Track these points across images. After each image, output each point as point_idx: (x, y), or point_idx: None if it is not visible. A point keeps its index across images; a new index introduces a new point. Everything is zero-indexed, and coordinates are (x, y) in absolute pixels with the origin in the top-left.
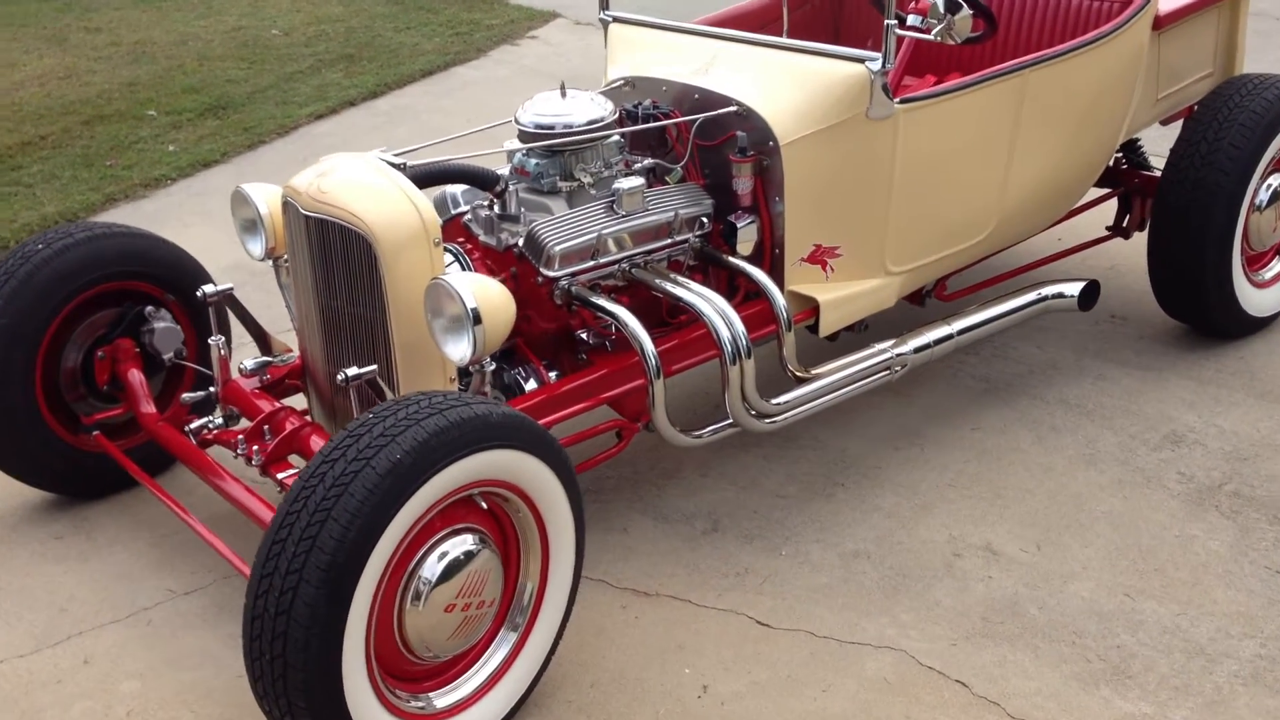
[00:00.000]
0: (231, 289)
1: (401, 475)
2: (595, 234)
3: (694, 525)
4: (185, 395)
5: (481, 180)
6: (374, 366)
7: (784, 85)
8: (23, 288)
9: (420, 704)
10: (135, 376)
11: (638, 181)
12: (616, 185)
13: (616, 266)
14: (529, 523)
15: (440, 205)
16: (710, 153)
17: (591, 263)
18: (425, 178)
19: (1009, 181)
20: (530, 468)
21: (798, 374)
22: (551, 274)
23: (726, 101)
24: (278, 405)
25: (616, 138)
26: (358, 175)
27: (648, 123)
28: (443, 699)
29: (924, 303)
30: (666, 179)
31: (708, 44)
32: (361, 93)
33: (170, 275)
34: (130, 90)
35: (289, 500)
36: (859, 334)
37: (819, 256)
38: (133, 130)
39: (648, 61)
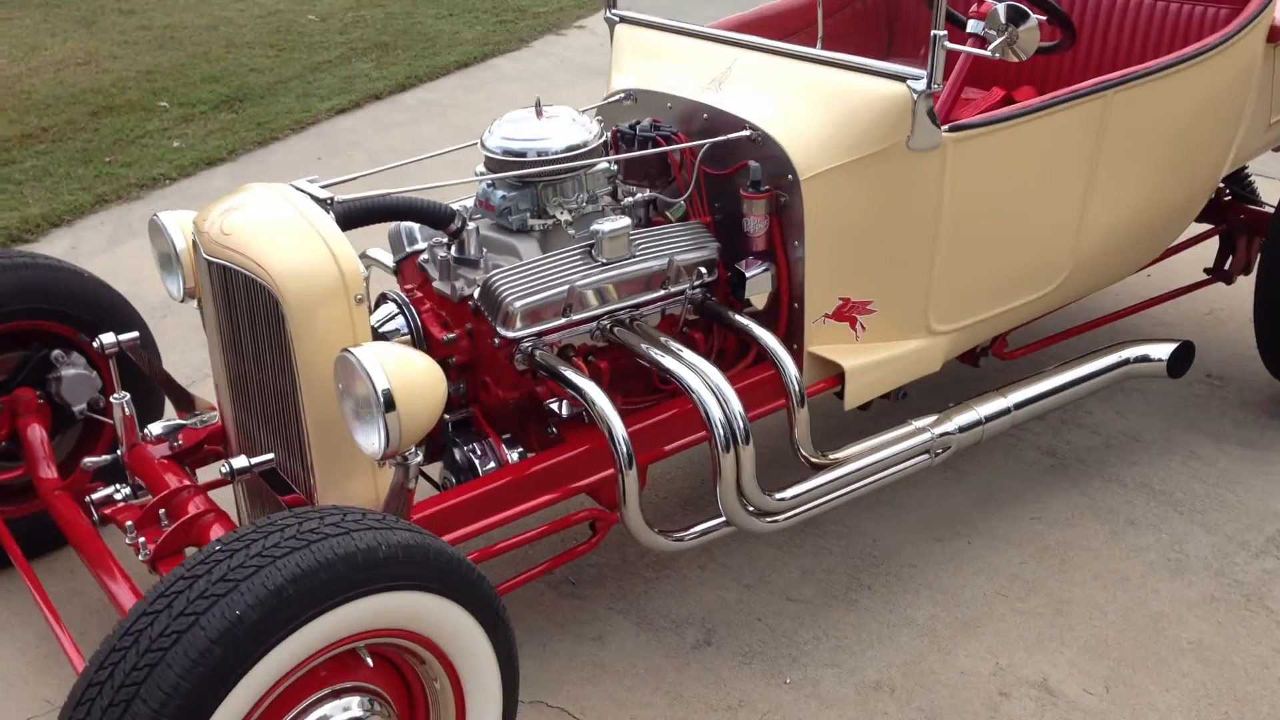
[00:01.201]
0: (136, 338)
1: (241, 639)
2: (566, 286)
3: (683, 636)
4: (87, 460)
5: (432, 217)
6: (269, 457)
7: (808, 106)
8: None
9: None
10: (35, 433)
11: (621, 222)
12: (596, 227)
13: (595, 324)
14: (439, 677)
15: (395, 240)
16: (721, 184)
17: (562, 320)
18: (359, 214)
19: (1086, 222)
20: (437, 612)
21: (812, 459)
22: (510, 334)
23: (739, 124)
24: (184, 482)
25: (605, 166)
26: (268, 212)
27: (644, 147)
28: None
29: (978, 363)
30: (667, 214)
31: (726, 52)
32: (389, 85)
33: (86, 314)
34: (147, 79)
35: (92, 667)
36: (896, 402)
37: (847, 313)
38: (141, 123)
39: (656, 71)
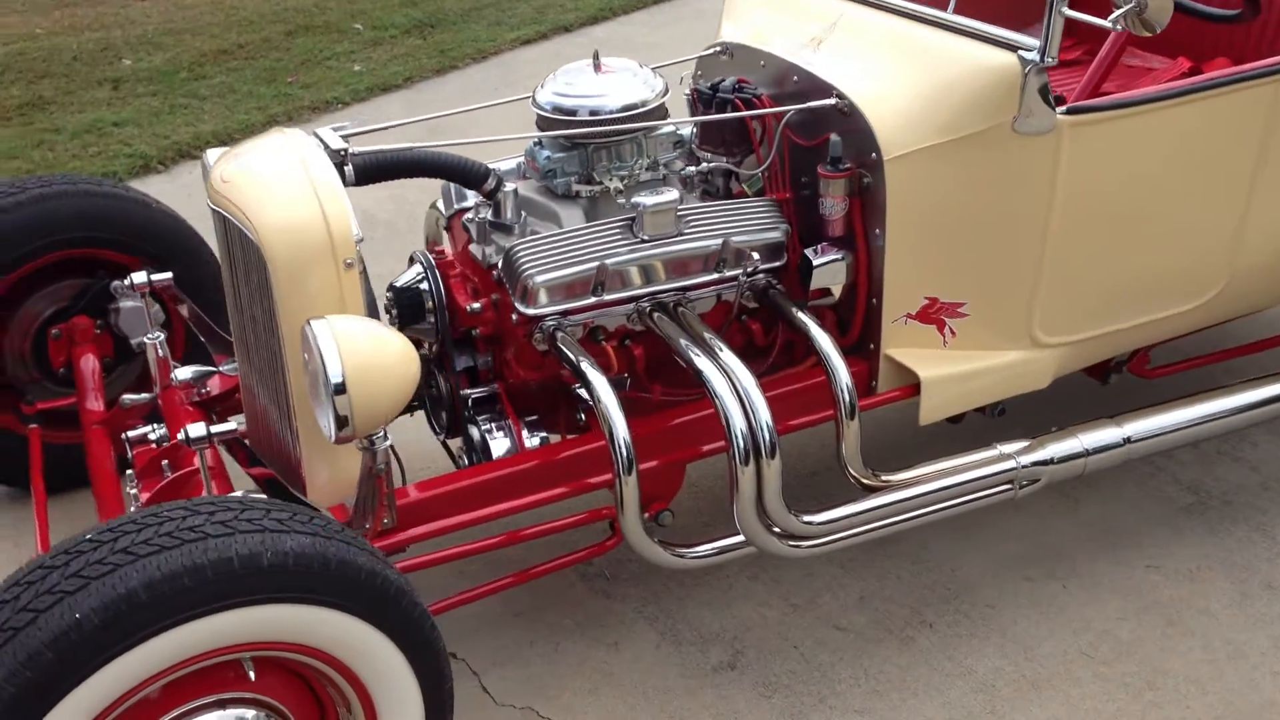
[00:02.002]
0: (169, 279)
1: (77, 646)
2: (596, 262)
3: (707, 655)
4: (126, 396)
5: (464, 175)
6: (231, 426)
7: (906, 74)
8: None
9: None
10: (88, 363)
11: (668, 195)
12: (637, 199)
13: (633, 306)
14: (350, 698)
15: (445, 196)
16: (807, 158)
17: (592, 299)
18: (379, 169)
19: (1248, 228)
20: (338, 628)
21: (862, 479)
22: (529, 311)
23: (828, 90)
24: (201, 431)
25: (670, 130)
26: (268, 162)
27: (722, 110)
28: None
29: (1109, 379)
30: (744, 187)
31: (837, 6)
32: (581, 17)
33: (151, 246)
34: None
35: None
36: (993, 418)
37: (934, 314)
38: (331, 45)
39: (762, 23)
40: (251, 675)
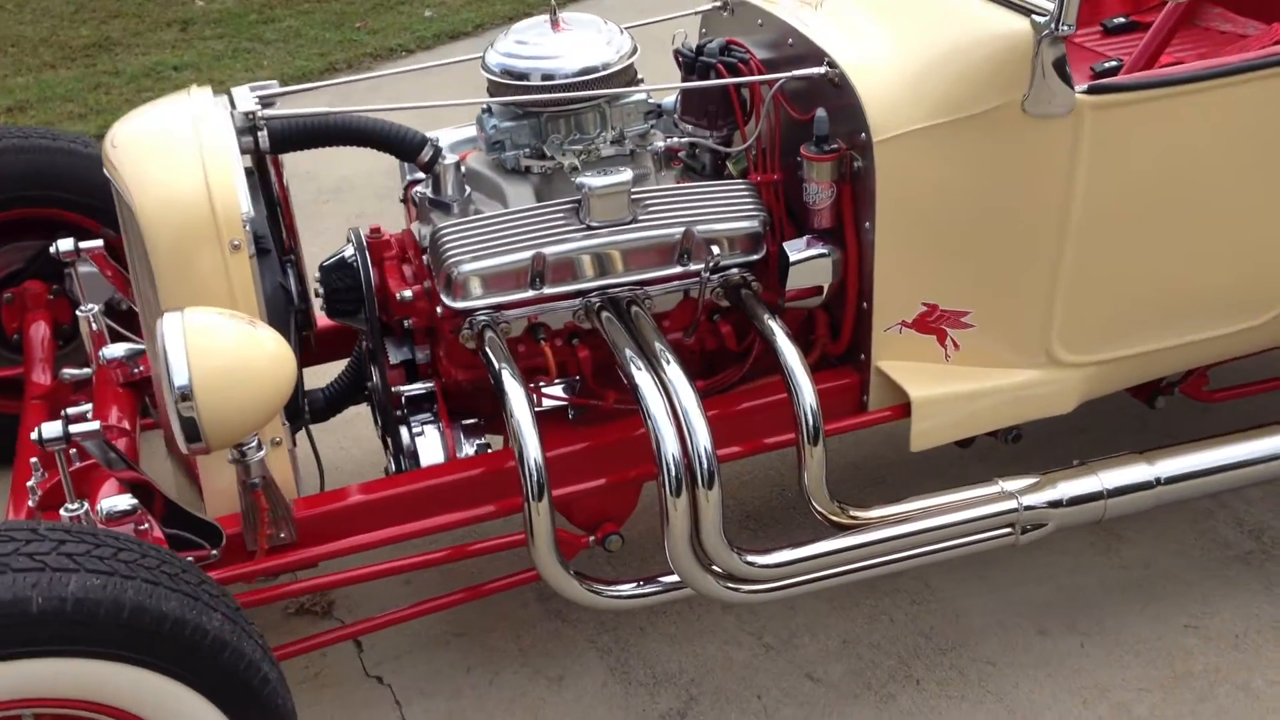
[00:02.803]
0: (100, 246)
1: None
2: (532, 251)
3: (656, 699)
4: (66, 370)
5: (395, 144)
6: (95, 425)
7: (909, 41)
8: None
9: None
10: (38, 331)
11: (619, 177)
12: (583, 180)
13: (580, 301)
14: None
15: (401, 165)
16: (799, 136)
17: (530, 293)
18: (296, 136)
19: None
20: (138, 684)
21: (829, 515)
22: (455, 304)
23: (820, 56)
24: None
25: (643, 99)
26: (161, 126)
27: (706, 77)
28: None
29: (1155, 402)
30: (729, 166)
31: None
32: None
33: (108, 205)
34: None
35: None
36: (1007, 444)
37: (933, 323)
38: None
39: None
40: None
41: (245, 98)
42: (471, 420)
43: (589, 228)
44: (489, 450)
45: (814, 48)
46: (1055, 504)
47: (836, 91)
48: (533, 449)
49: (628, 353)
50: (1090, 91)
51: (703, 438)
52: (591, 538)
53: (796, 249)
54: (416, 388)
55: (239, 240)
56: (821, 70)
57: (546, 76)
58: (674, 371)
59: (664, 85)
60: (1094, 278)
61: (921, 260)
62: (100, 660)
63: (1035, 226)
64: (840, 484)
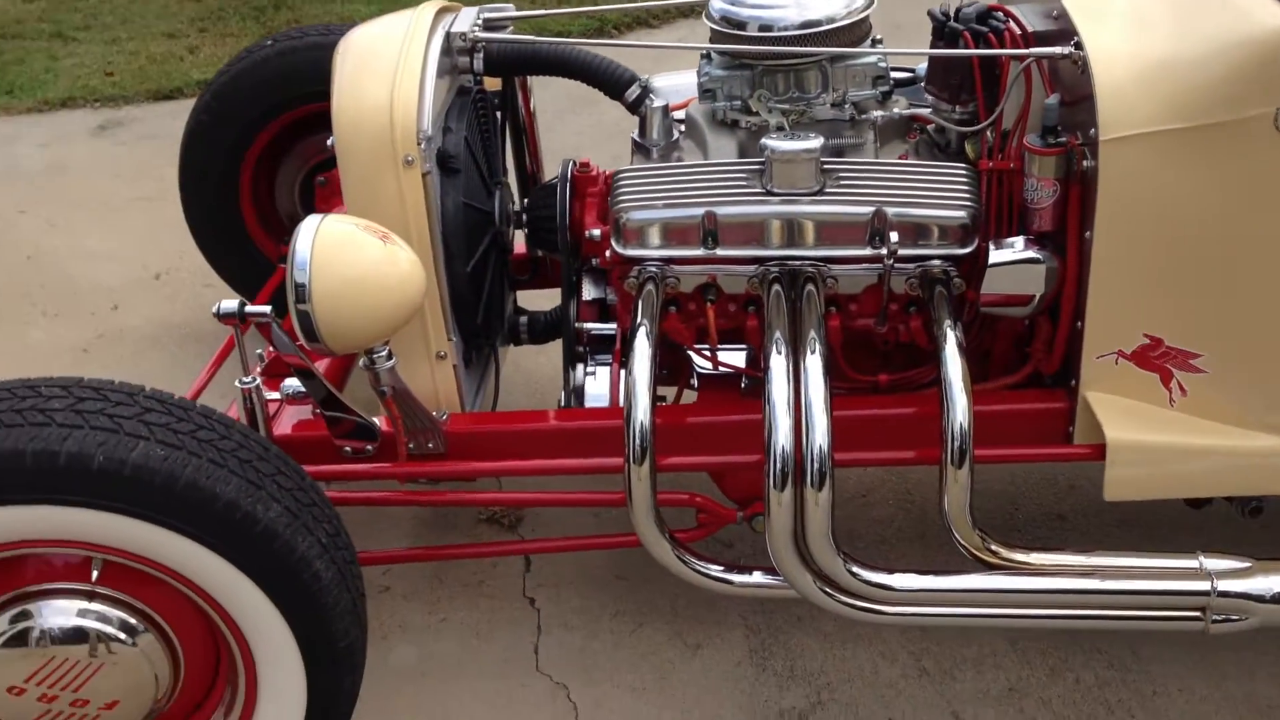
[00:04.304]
0: None
1: None
2: (704, 209)
3: (783, 694)
4: None
5: (605, 80)
6: (267, 308)
7: (1170, 30)
8: (230, 87)
9: None
10: None
11: (805, 144)
12: (766, 142)
13: (755, 268)
14: (227, 634)
15: None
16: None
17: (700, 251)
18: (510, 61)
19: None
20: (189, 554)
21: (970, 548)
22: (623, 251)
23: (1070, 34)
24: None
25: (874, 60)
26: (378, 38)
27: (954, 45)
28: None
29: None
30: (966, 147)
31: None
32: None
33: None
34: None
35: None
36: (1243, 515)
37: (1157, 360)
38: None
39: None
40: (94, 574)
41: (467, 19)
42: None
43: (769, 193)
44: (663, 403)
45: (1070, 23)
46: (1258, 598)
47: (1080, 78)
48: (641, 411)
49: (775, 331)
50: None
51: (820, 436)
52: (740, 514)
53: (1002, 250)
54: (602, 327)
55: (412, 156)
56: (1064, 51)
57: (764, 27)
58: (813, 362)
59: (893, 50)
60: None
61: (1146, 285)
62: (153, 525)
63: None
64: (1019, 513)
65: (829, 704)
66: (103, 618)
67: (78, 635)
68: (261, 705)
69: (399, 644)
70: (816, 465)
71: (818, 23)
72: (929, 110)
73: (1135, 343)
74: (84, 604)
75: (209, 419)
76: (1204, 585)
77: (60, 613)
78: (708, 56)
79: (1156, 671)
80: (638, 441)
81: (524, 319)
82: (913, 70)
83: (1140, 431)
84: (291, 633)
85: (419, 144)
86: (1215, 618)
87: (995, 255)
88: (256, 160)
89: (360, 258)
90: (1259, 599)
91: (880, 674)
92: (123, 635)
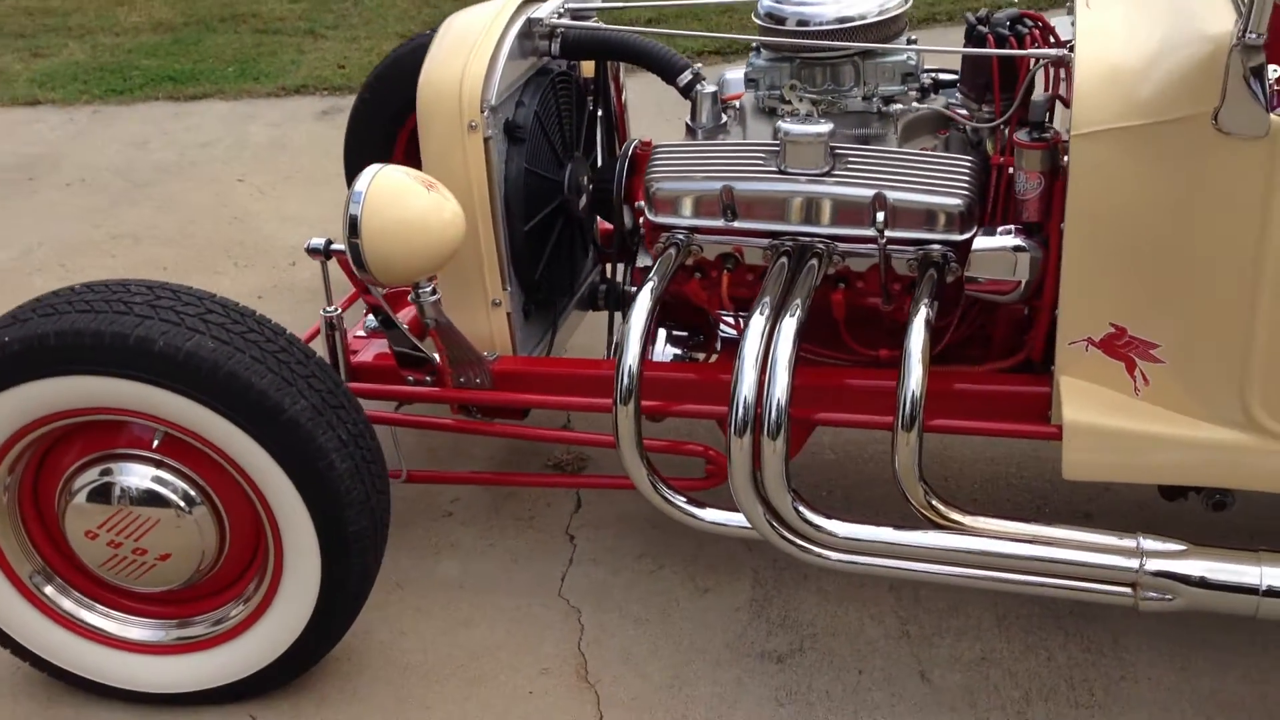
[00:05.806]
0: None
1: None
2: (723, 183)
3: (770, 639)
4: None
5: (661, 65)
6: (325, 240)
7: (1149, 31)
8: (390, 70)
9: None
10: None
11: (815, 128)
12: (779, 125)
13: (769, 241)
14: (264, 520)
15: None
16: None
17: (720, 223)
18: (583, 46)
19: None
20: (224, 432)
21: (919, 508)
22: (654, 218)
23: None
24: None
25: (904, 58)
26: (472, 20)
27: (981, 45)
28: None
29: None
30: (987, 143)
31: None
32: None
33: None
34: None
35: None
36: (1208, 509)
37: (1121, 348)
38: None
39: None
40: (155, 441)
41: (549, 7)
42: (684, 333)
43: (782, 172)
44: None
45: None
46: (1188, 580)
47: (1068, 76)
48: (631, 356)
49: (765, 297)
50: None
51: (780, 390)
52: None
53: (988, 238)
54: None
55: (475, 122)
56: (1057, 52)
57: (801, 22)
58: (788, 324)
59: (915, 48)
60: None
61: (1111, 274)
62: (199, 405)
63: (1225, 261)
64: (983, 484)
65: (808, 651)
66: (169, 485)
67: (148, 496)
68: (285, 581)
69: (447, 559)
70: (774, 417)
71: (851, 19)
72: (916, 106)
73: (1103, 331)
74: (155, 471)
75: (262, 325)
76: (1133, 563)
77: (136, 474)
78: (757, 50)
79: (1130, 659)
80: (625, 383)
81: (604, 287)
82: (957, 72)
83: (1097, 415)
84: (309, 514)
85: (483, 112)
86: (1146, 595)
87: (979, 242)
88: (409, 137)
89: (408, 203)
90: (1185, 580)
91: (865, 632)
92: (182, 503)
